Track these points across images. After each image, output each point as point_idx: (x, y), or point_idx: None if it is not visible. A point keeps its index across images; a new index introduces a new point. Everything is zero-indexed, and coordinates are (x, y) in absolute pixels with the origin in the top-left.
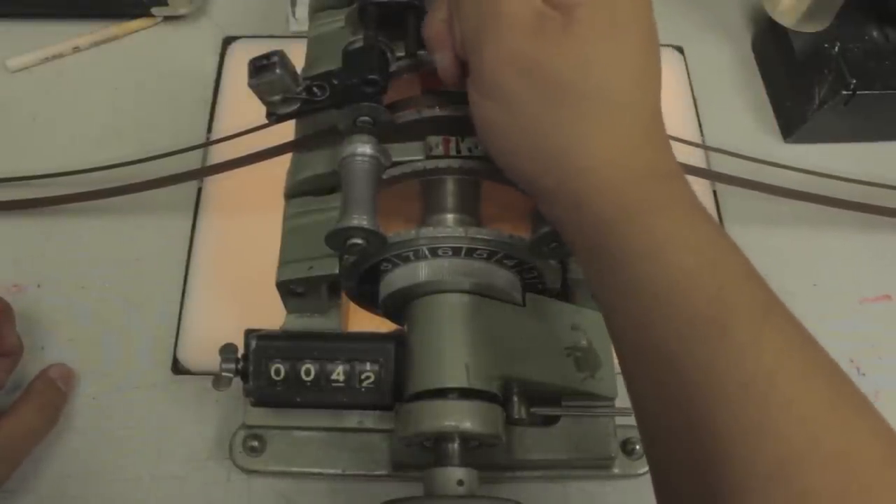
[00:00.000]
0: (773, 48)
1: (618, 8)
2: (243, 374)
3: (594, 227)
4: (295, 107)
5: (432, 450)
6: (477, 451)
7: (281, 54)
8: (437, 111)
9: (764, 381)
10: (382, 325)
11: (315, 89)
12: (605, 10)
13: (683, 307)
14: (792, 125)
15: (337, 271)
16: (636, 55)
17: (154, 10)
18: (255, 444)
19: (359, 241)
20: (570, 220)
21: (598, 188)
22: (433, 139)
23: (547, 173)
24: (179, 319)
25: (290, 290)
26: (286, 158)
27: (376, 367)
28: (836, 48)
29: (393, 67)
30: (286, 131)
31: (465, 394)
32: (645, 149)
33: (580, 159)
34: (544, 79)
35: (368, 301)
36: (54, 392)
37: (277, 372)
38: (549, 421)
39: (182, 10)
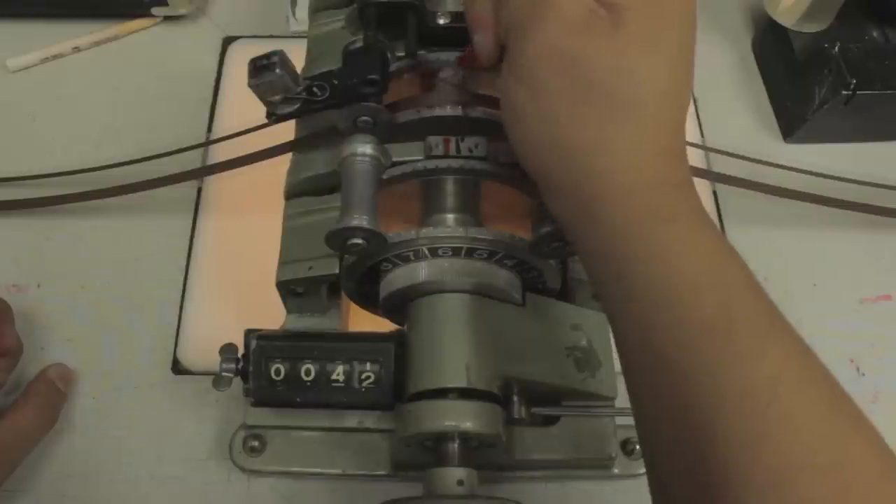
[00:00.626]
0: (773, 48)
1: (665, 18)
2: (243, 374)
3: (601, 230)
4: (295, 107)
5: (432, 450)
6: (477, 451)
7: (281, 54)
8: (436, 111)
9: (764, 392)
10: (382, 325)
11: (315, 89)
12: (652, 18)
13: (686, 315)
14: (792, 125)
15: (337, 271)
16: (674, 67)
17: (154, 10)
18: (255, 444)
19: (359, 241)
20: (578, 220)
21: (611, 192)
22: (433, 139)
23: (561, 169)
24: (179, 319)
25: (290, 290)
26: (286, 158)
27: (376, 367)
28: (836, 48)
29: (393, 67)
30: (286, 131)
31: (466, 394)
32: (663, 158)
33: (598, 161)
34: (581, 76)
35: (368, 301)
36: (53, 393)
37: (277, 372)
38: (549, 421)
39: (182, 10)
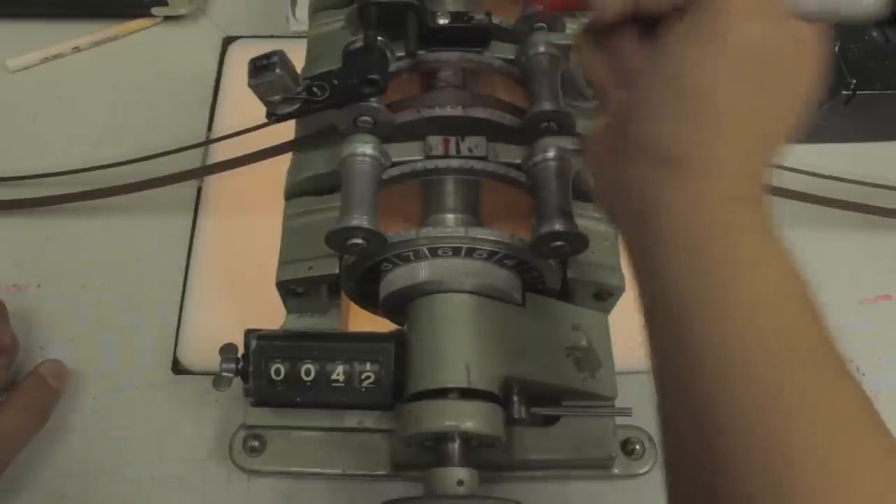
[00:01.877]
0: None
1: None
2: (243, 374)
3: (678, 235)
4: (295, 107)
5: (432, 450)
6: (477, 451)
7: (281, 54)
8: (436, 111)
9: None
10: (382, 325)
11: (315, 89)
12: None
13: (764, 330)
14: None
15: (337, 271)
16: (800, 94)
17: (154, 10)
18: (255, 444)
19: (359, 241)
20: (650, 221)
21: (699, 197)
22: (433, 139)
23: (645, 170)
24: (179, 319)
25: (290, 290)
26: (286, 158)
27: (376, 367)
28: (836, 48)
29: (393, 67)
30: (286, 131)
31: (466, 394)
32: (757, 172)
33: (693, 166)
34: (687, 85)
35: (368, 301)
36: (43, 390)
37: (277, 372)
38: (549, 421)
39: (182, 10)
